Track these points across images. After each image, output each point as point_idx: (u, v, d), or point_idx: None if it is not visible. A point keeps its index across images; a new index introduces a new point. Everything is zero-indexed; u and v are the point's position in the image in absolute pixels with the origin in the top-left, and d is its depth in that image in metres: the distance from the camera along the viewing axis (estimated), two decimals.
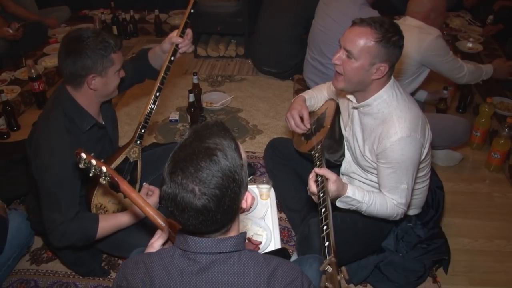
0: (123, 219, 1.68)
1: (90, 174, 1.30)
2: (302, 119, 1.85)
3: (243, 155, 0.98)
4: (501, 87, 2.95)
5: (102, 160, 1.32)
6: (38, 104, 3.03)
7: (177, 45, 1.86)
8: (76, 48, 1.53)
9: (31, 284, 1.79)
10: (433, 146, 1.77)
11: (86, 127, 1.64)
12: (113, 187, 1.36)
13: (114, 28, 4.00)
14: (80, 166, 1.29)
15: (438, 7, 2.20)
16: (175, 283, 0.95)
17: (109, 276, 1.81)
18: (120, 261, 1.88)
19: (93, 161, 1.28)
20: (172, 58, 1.84)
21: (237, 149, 0.96)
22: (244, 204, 0.99)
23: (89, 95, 1.63)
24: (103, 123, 1.77)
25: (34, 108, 3.04)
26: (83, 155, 1.28)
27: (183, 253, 0.97)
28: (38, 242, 1.98)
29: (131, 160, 1.80)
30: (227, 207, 0.92)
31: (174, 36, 1.87)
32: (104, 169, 1.29)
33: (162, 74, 1.83)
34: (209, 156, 0.90)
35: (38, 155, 1.55)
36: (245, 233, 1.03)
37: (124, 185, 1.28)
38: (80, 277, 1.81)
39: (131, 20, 4.13)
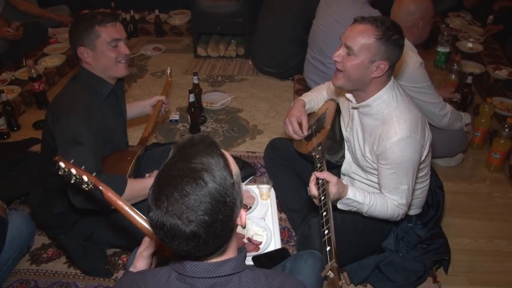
0: (149, 182, 1.65)
1: (72, 181, 1.26)
2: (300, 125, 1.86)
3: (235, 169, 0.92)
4: (501, 87, 2.95)
5: (83, 167, 1.28)
6: (38, 104, 3.03)
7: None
8: (71, 26, 1.70)
9: (31, 284, 1.79)
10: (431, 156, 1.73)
11: (105, 92, 1.73)
12: (97, 194, 1.32)
13: None
14: (59, 173, 1.25)
15: (428, 15, 2.00)
16: None
17: (111, 278, 1.81)
18: (120, 261, 1.88)
19: (73, 170, 1.24)
20: (162, 109, 2.16)
21: (226, 166, 0.89)
22: (238, 221, 0.94)
23: (93, 69, 1.70)
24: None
25: (34, 108, 3.04)
26: (62, 164, 1.23)
27: (180, 277, 0.92)
28: (38, 242, 1.98)
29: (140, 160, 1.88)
30: (219, 231, 0.87)
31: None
32: (85, 178, 1.24)
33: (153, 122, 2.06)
34: (194, 179, 0.84)
35: (62, 116, 1.58)
36: (244, 251, 0.99)
37: (109, 192, 1.24)
38: (81, 277, 1.81)
39: (131, 20, 4.13)
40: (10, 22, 3.35)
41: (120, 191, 1.56)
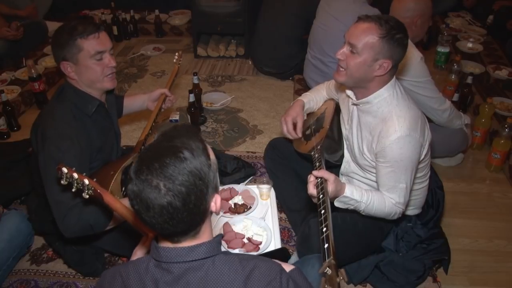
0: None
1: (73, 189, 1.27)
2: (295, 126, 1.87)
3: (212, 156, 0.96)
4: (501, 87, 2.95)
5: (84, 174, 1.29)
6: (38, 104, 3.03)
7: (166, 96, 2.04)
8: (52, 38, 1.59)
9: (31, 284, 1.79)
10: (431, 156, 1.73)
11: (91, 108, 1.63)
12: (97, 199, 1.32)
13: (114, 28, 4.00)
14: (62, 182, 1.25)
15: (426, 13, 2.01)
16: None
17: None
18: (120, 261, 1.88)
19: (75, 175, 1.25)
20: (163, 106, 2.05)
21: (204, 150, 0.94)
22: (213, 207, 0.97)
23: (78, 84, 1.62)
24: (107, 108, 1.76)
25: (34, 108, 3.04)
26: (64, 170, 1.24)
27: (157, 263, 0.96)
28: (38, 242, 1.98)
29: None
30: (193, 205, 0.90)
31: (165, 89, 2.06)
32: (86, 181, 1.25)
33: (154, 118, 1.96)
34: (174, 153, 0.89)
35: (46, 143, 1.52)
36: (219, 236, 1.01)
37: (108, 197, 1.25)
38: (81, 277, 1.81)
39: (131, 20, 4.13)
40: (10, 22, 3.35)
41: (101, 225, 1.55)
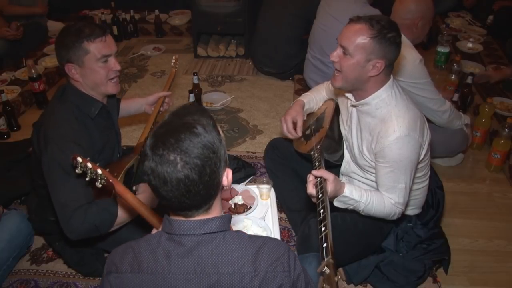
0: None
1: (87, 178, 1.29)
2: (295, 125, 1.87)
3: (221, 132, 1.01)
4: (501, 87, 2.95)
5: (98, 164, 1.31)
6: (38, 104, 3.03)
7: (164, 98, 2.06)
8: (57, 39, 1.57)
9: (31, 284, 1.79)
10: (431, 156, 1.74)
11: (94, 111, 1.64)
12: (107, 189, 1.34)
13: (114, 28, 4.00)
14: (77, 171, 1.29)
15: (428, 16, 2.01)
16: (161, 266, 0.97)
17: None
18: None
19: (89, 164, 1.28)
20: (161, 109, 2.06)
21: (215, 126, 0.98)
22: (225, 181, 1.01)
23: (82, 86, 1.61)
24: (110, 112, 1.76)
25: (34, 108, 3.04)
26: (79, 159, 1.27)
27: (169, 237, 0.99)
28: (38, 242, 1.98)
29: (134, 170, 1.81)
30: (209, 178, 0.93)
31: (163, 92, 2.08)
32: (99, 171, 1.28)
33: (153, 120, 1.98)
34: (188, 128, 0.93)
35: (49, 145, 1.51)
36: (229, 215, 1.04)
37: (119, 187, 1.28)
38: (81, 277, 1.81)
39: (131, 20, 4.13)
40: (9, 22, 3.35)
41: (106, 226, 1.56)
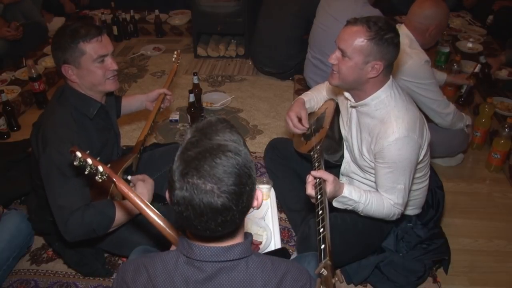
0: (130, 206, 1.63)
1: (86, 172, 1.27)
2: (300, 119, 1.86)
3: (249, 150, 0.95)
4: (501, 87, 2.95)
5: (98, 158, 1.30)
6: (38, 104, 3.03)
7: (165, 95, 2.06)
8: (53, 40, 1.56)
9: (31, 284, 1.79)
10: (431, 156, 1.75)
11: (93, 111, 1.63)
12: (105, 187, 1.33)
13: (114, 28, 4.00)
14: (75, 163, 1.25)
15: (442, 24, 2.05)
16: None
17: (111, 278, 1.81)
18: (120, 261, 1.88)
19: (89, 160, 1.25)
20: (162, 106, 2.05)
21: (245, 145, 0.92)
22: (255, 203, 0.94)
23: (79, 87, 1.61)
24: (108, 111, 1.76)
25: (34, 108, 3.04)
26: (78, 154, 1.24)
27: (188, 261, 0.92)
28: (38, 242, 1.98)
29: (133, 169, 1.80)
30: (245, 205, 0.88)
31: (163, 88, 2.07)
32: (100, 168, 1.26)
33: (153, 116, 1.97)
34: (223, 152, 0.84)
35: (47, 147, 1.51)
36: (251, 236, 0.98)
37: (121, 184, 1.26)
38: (81, 277, 1.81)
39: (131, 20, 4.13)
40: (9, 22, 3.34)
41: (104, 228, 1.55)
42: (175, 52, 2.24)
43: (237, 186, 0.85)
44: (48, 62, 3.40)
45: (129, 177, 1.71)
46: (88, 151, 1.28)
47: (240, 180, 0.85)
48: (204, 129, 0.90)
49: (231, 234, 0.93)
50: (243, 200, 0.86)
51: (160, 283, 0.92)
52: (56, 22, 3.99)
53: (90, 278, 1.80)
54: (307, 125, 1.86)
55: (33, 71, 2.89)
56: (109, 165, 1.32)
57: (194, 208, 0.84)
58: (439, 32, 2.07)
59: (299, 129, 1.86)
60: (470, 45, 3.54)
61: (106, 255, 1.88)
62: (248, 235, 0.98)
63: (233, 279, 0.91)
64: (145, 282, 0.94)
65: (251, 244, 0.97)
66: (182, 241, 0.95)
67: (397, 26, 2.07)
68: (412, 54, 1.98)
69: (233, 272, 0.91)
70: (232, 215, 0.86)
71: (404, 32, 2.04)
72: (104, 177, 1.27)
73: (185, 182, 0.83)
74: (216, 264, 0.91)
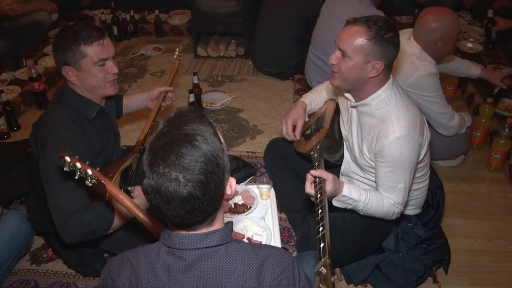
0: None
1: (76, 177, 1.27)
2: (295, 127, 1.88)
3: (222, 139, 0.96)
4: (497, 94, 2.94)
5: (87, 162, 1.29)
6: (38, 104, 3.03)
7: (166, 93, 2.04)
8: (55, 40, 1.55)
9: (31, 284, 1.80)
10: (431, 158, 1.74)
11: (92, 114, 1.62)
12: (99, 189, 1.31)
13: (114, 28, 4.00)
14: (65, 169, 1.25)
15: (448, 35, 1.98)
16: (162, 282, 0.93)
17: None
18: None
19: (78, 164, 1.25)
20: (163, 104, 2.03)
21: (215, 134, 0.93)
22: (228, 190, 0.96)
23: (79, 89, 1.60)
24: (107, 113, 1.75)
25: (34, 108, 3.04)
26: (67, 158, 1.24)
27: (169, 250, 0.94)
28: (38, 242, 1.98)
29: (132, 169, 1.80)
30: (213, 193, 0.89)
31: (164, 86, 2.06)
32: (89, 172, 1.25)
33: (154, 116, 1.96)
34: (189, 141, 0.87)
35: (46, 148, 1.51)
36: (231, 223, 1.00)
37: (111, 187, 1.25)
38: (81, 277, 1.81)
39: (131, 20, 4.13)
40: None
41: (103, 230, 1.55)
42: (177, 49, 2.23)
43: (204, 175, 0.86)
44: (48, 62, 3.41)
45: (129, 188, 1.71)
46: (77, 156, 1.27)
47: (206, 169, 0.87)
48: (175, 119, 0.93)
49: (206, 221, 0.94)
50: (210, 188, 0.88)
51: (143, 274, 0.94)
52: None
53: (90, 278, 1.81)
54: (298, 137, 1.89)
55: (33, 71, 2.89)
56: (98, 168, 1.31)
57: (161, 196, 0.86)
58: (448, 42, 2.01)
59: (290, 137, 1.88)
60: (470, 45, 3.54)
61: (106, 255, 1.88)
62: (228, 222, 1.00)
63: (213, 265, 0.93)
64: (129, 274, 0.95)
65: (231, 231, 0.99)
66: (164, 232, 0.97)
67: (403, 32, 2.04)
68: (420, 66, 1.99)
69: (213, 258, 0.93)
70: (200, 203, 0.88)
71: (415, 44, 2.04)
72: (94, 180, 1.26)
73: (152, 171, 0.86)
74: (195, 252, 0.93)
